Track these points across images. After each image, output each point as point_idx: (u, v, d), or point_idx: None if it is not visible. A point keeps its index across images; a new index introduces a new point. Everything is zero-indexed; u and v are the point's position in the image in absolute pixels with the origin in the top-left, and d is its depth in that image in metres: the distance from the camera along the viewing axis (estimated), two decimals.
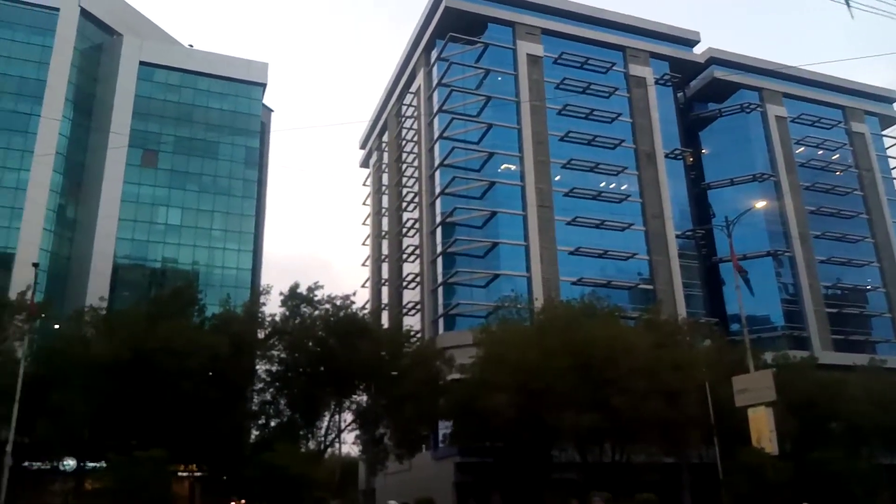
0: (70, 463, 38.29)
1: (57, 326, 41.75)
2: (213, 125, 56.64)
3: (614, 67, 63.92)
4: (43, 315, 38.45)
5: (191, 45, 62.17)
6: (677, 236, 61.38)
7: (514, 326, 41.53)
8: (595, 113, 61.73)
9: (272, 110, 66.54)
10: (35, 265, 37.23)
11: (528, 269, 54.94)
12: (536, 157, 58.35)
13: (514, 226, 56.50)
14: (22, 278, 41.33)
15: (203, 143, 55.56)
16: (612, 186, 61.18)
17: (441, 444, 47.31)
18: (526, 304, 49.20)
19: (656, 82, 65.53)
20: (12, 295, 38.41)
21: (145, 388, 34.54)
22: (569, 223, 57.39)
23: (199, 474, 40.48)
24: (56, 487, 40.53)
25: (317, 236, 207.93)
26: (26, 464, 36.76)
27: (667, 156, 63.99)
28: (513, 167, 58.71)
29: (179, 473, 36.38)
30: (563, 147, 59.65)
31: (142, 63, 55.75)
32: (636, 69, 65.53)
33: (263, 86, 59.86)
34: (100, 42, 56.70)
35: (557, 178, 58.96)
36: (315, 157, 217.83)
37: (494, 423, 35.14)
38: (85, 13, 54.85)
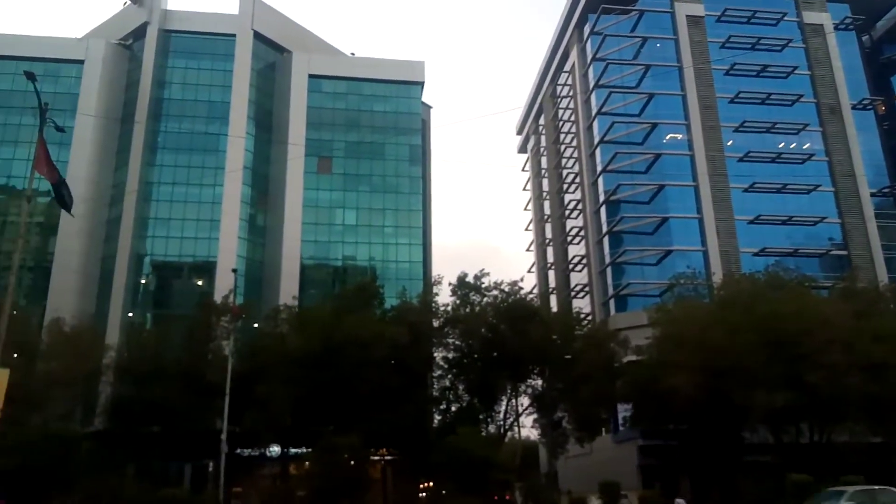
0: (275, 449, 41.82)
1: (256, 325, 45.91)
2: (378, 127, 59.32)
3: (785, 18, 58.82)
4: (244, 315, 42.17)
5: (353, 54, 65.39)
6: (872, 195, 55.50)
7: (693, 304, 39.74)
8: (768, 69, 57.23)
9: (430, 107, 68.39)
10: (234, 271, 41.23)
11: (704, 242, 52.21)
12: (705, 122, 55.26)
13: (685, 198, 53.89)
14: (223, 283, 45.85)
15: (370, 145, 58.40)
16: (792, 146, 56.45)
17: (622, 427, 46.39)
18: (703, 280, 46.93)
19: (836, 28, 59.43)
20: (217, 299, 42.85)
21: (336, 377, 37.08)
22: (746, 190, 53.80)
23: (389, 458, 42.76)
24: (265, 471, 44.56)
25: (482, 224, 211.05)
26: (238, 451, 40.65)
27: (854, 107, 57.96)
28: (679, 136, 56.01)
29: (372, 458, 38.66)
30: (733, 109, 55.94)
31: (311, 76, 59.54)
32: (811, 16, 59.90)
33: (421, 84, 61.66)
34: (273, 61, 61.26)
35: (730, 142, 55.43)
36: (473, 147, 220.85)
37: (676, 405, 33.87)
38: (258, 35, 59.48)
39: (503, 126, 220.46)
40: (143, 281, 52.16)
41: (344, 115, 59.76)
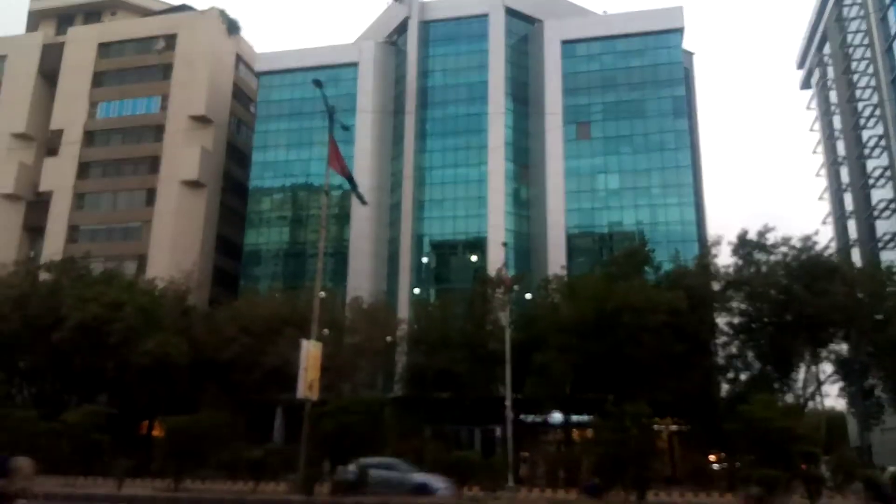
0: (558, 416, 42.61)
1: (528, 296, 47.11)
2: (637, 84, 56.70)
3: None
4: (516, 287, 43.52)
5: (604, 12, 63.28)
6: None
7: None
8: None
9: (693, 53, 63.68)
10: (504, 244, 42.71)
11: None
12: None
13: None
14: (495, 257, 47.76)
15: (630, 103, 56.09)
16: None
17: None
18: None
19: None
20: (490, 272, 44.76)
21: (611, 345, 36.60)
22: None
23: (674, 428, 41.28)
24: (549, 437, 45.68)
25: (763, 176, 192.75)
26: (522, 417, 42.20)
27: None
28: None
29: (656, 427, 37.55)
30: None
31: (563, 42, 58.77)
32: None
33: (681, 31, 57.65)
34: (525, 33, 61.68)
35: None
36: (746, 90, 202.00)
37: None
38: (509, 10, 60.28)
39: (782, 61, 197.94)
40: (424, 259, 56.25)
41: (600, 77, 58.12)
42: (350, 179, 30.88)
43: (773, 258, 39.34)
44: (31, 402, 42.62)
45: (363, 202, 32.55)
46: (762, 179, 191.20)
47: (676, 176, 53.80)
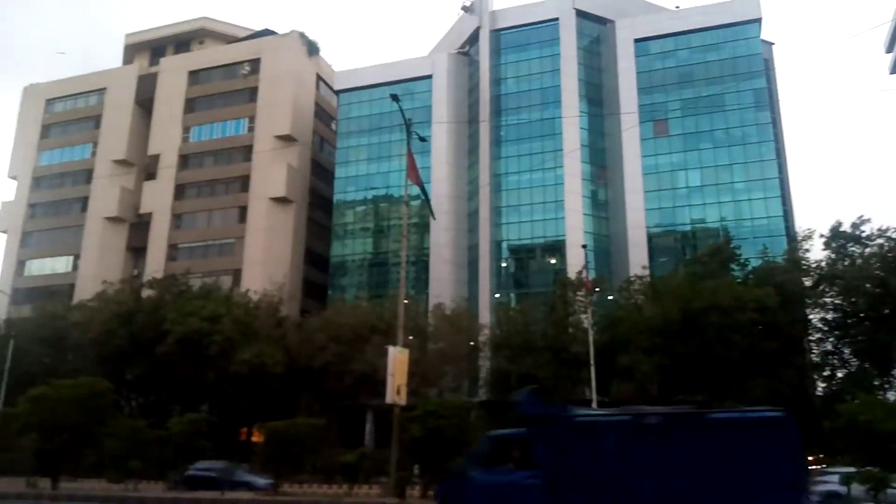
0: None
1: (611, 297, 46.85)
2: (715, 78, 55.39)
3: None
4: (597, 289, 43.40)
5: (677, 7, 62.19)
6: None
7: None
8: None
9: (772, 43, 61.70)
10: (584, 247, 42.72)
11: None
12: None
13: None
14: (574, 259, 47.76)
15: (708, 98, 54.84)
16: None
17: None
18: None
19: None
20: (570, 275, 44.81)
21: (699, 345, 36.06)
22: None
23: None
24: None
25: (851, 165, 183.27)
26: None
27: None
28: None
29: None
30: None
31: (636, 40, 58.13)
32: None
33: (759, 21, 56.00)
34: (596, 34, 61.36)
35: None
36: (830, 75, 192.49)
37: None
38: (579, 13, 60.07)
39: (869, 45, 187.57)
40: (503, 264, 56.72)
41: (675, 73, 57.16)
42: (423, 191, 31.90)
43: (868, 250, 37.86)
44: (138, 411, 45.55)
45: (433, 216, 33.76)
46: (852, 169, 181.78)
47: (761, 170, 52.28)
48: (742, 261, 42.22)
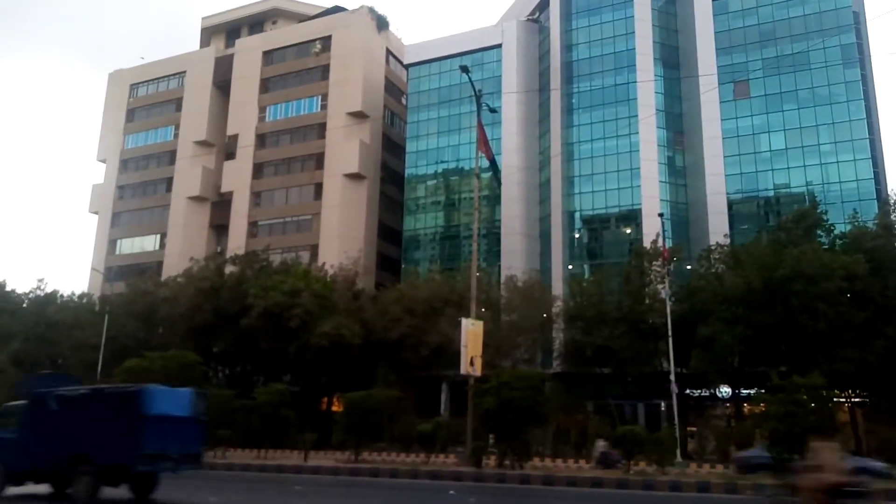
0: (726, 390, 41.16)
1: (689, 267, 45.66)
2: (799, 35, 52.45)
3: None
4: (675, 258, 42.41)
5: None
6: None
7: None
8: None
9: None
10: (660, 215, 41.64)
11: None
12: None
13: None
14: (650, 229, 46.64)
15: (792, 57, 52.01)
16: None
17: None
18: None
19: None
20: (645, 244, 43.84)
21: (783, 315, 34.83)
22: None
23: (857, 400, 38.55)
24: (717, 412, 44.23)
25: None
26: (688, 391, 41.21)
27: None
28: None
29: (837, 399, 35.34)
30: None
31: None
32: None
33: None
34: None
35: None
36: None
37: None
38: None
39: None
40: (576, 235, 55.98)
41: (757, 31, 54.41)
42: (493, 163, 31.81)
43: None
44: (224, 382, 47.72)
45: (498, 185, 33.59)
46: None
47: (849, 130, 49.45)
48: (829, 227, 40.31)
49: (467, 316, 28.36)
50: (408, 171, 65.05)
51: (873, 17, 61.10)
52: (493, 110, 33.19)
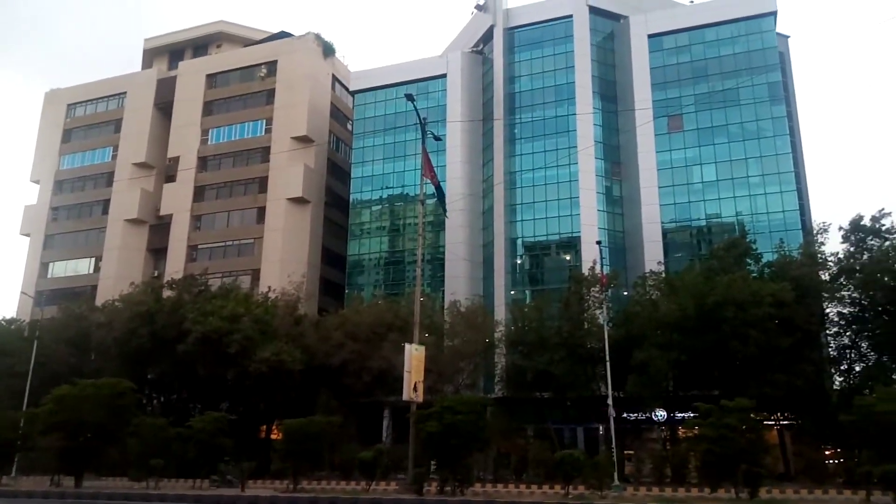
0: (661, 413, 42.12)
1: (626, 293, 46.87)
2: (729, 72, 55.09)
3: None
4: (613, 285, 43.41)
5: (691, 1, 61.92)
6: None
7: None
8: None
9: (788, 36, 61.26)
10: (598, 243, 42.60)
11: None
12: None
13: None
14: (588, 256, 47.72)
15: (722, 93, 54.57)
16: None
17: None
18: None
19: None
20: (584, 271, 44.86)
21: (714, 340, 36.05)
22: None
23: (785, 423, 40.08)
24: (653, 435, 45.19)
25: (869, 158, 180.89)
26: (625, 415, 42.05)
27: None
28: None
29: (766, 422, 36.71)
30: None
31: (650, 36, 57.86)
32: None
33: (774, 14, 55.63)
34: (609, 31, 61.23)
35: None
36: (848, 67, 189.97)
37: None
38: (593, 9, 59.94)
39: (885, 38, 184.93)
40: (518, 261, 56.90)
41: (689, 69, 56.92)
42: (438, 188, 32.25)
43: (887, 244, 37.63)
44: (159, 410, 46.32)
45: (445, 213, 34.04)
46: (870, 162, 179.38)
47: (776, 164, 51.99)
48: (758, 255, 42.11)
49: (411, 341, 28.43)
50: (353, 196, 65.08)
51: (798, 57, 64.57)
52: (437, 138, 33.74)
